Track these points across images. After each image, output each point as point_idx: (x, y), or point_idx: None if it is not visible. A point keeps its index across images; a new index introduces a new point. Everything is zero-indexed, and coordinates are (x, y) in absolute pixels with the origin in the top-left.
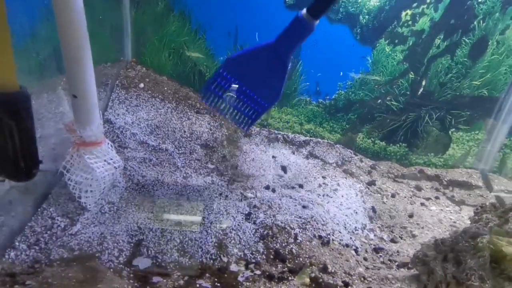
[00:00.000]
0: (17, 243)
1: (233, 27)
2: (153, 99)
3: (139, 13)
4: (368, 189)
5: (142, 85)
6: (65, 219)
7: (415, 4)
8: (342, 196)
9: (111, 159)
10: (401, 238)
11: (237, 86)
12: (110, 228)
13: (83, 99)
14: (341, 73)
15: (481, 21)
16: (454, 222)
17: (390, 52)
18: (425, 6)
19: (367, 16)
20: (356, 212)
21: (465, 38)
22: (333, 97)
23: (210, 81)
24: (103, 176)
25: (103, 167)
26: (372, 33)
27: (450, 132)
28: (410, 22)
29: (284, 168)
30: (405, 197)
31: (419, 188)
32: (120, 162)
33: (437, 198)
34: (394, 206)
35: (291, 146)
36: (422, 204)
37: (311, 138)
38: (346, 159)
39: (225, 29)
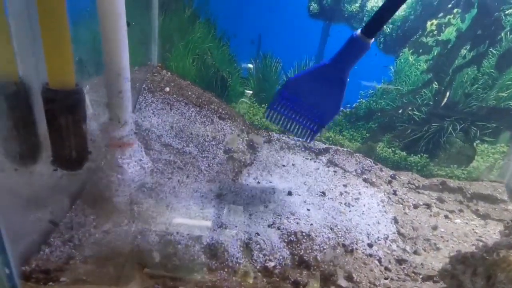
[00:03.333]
0: (52, 239)
1: (256, 35)
2: (177, 103)
3: (166, 20)
4: (390, 199)
5: (167, 89)
6: (97, 217)
7: (441, 14)
8: (364, 205)
9: (141, 160)
10: (425, 250)
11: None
12: (139, 227)
13: (119, 101)
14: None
15: (508, 33)
16: (480, 236)
17: (413, 62)
18: (451, 16)
19: (391, 26)
20: (378, 222)
21: (492, 49)
22: (354, 105)
23: (273, 102)
24: (133, 177)
25: (133, 167)
26: (395, 43)
27: (474, 144)
28: (435, 32)
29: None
30: (427, 209)
31: (441, 200)
32: (150, 163)
33: (461, 211)
34: (416, 218)
35: (310, 153)
36: (446, 216)
37: (331, 146)
38: (366, 168)
39: (248, 37)
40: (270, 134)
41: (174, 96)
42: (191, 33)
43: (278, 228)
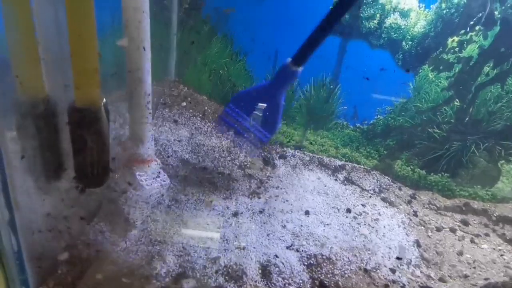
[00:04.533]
0: (69, 258)
1: (273, 51)
2: (194, 117)
3: (184, 35)
4: (411, 220)
5: (184, 104)
6: (114, 234)
7: (462, 31)
8: (384, 226)
9: (158, 176)
10: (451, 277)
11: (264, 105)
12: (156, 246)
13: (140, 119)
14: (374, 95)
15: None
16: (508, 262)
17: (433, 79)
18: (473, 33)
19: (410, 42)
20: (400, 245)
21: None
22: (371, 122)
23: (222, 115)
24: (151, 194)
25: (151, 184)
26: (414, 59)
27: (499, 164)
28: (457, 49)
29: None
30: (451, 232)
31: (465, 223)
32: (167, 180)
33: (487, 235)
34: (440, 241)
35: (326, 170)
36: (471, 241)
37: (347, 163)
38: (384, 186)
39: (265, 53)
40: (285, 149)
41: (191, 111)
42: (208, 48)
43: (297, 250)
